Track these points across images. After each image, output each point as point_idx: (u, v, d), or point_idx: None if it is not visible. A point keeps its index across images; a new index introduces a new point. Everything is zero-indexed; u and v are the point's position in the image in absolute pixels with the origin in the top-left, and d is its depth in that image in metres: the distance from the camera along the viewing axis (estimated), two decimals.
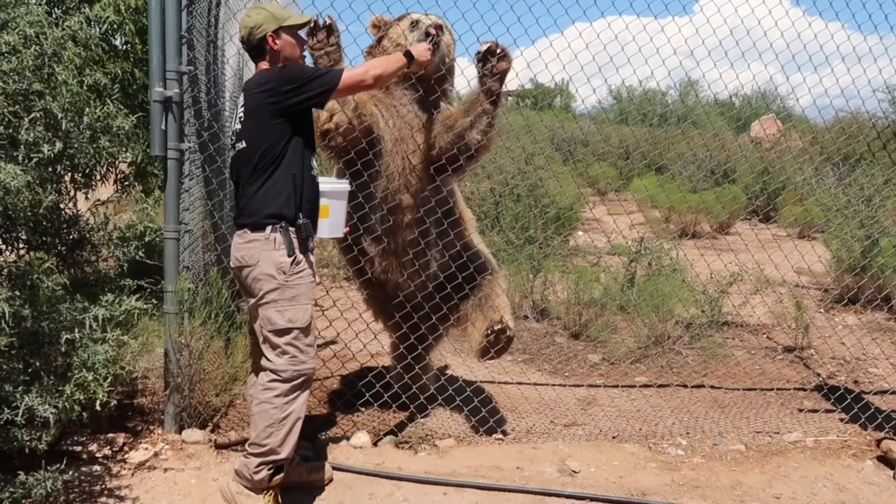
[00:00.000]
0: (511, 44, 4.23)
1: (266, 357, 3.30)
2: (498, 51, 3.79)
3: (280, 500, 3.33)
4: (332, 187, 3.53)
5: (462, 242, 4.24)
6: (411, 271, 4.11)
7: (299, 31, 3.49)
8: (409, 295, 4.19)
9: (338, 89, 3.29)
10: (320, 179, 3.47)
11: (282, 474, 3.31)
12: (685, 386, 5.20)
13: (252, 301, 3.33)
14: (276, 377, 3.26)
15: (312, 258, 3.35)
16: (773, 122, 18.62)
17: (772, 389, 5.21)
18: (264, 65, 3.41)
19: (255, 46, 3.39)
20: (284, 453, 3.26)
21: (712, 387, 5.20)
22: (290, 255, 3.23)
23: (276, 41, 3.35)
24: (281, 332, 3.25)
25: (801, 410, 4.85)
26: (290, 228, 3.26)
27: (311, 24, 3.74)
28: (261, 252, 3.24)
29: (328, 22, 3.76)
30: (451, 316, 4.30)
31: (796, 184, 11.56)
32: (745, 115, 18.94)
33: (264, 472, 3.26)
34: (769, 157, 12.82)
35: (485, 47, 3.81)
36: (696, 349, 5.88)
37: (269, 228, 3.24)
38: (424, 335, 4.37)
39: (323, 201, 3.46)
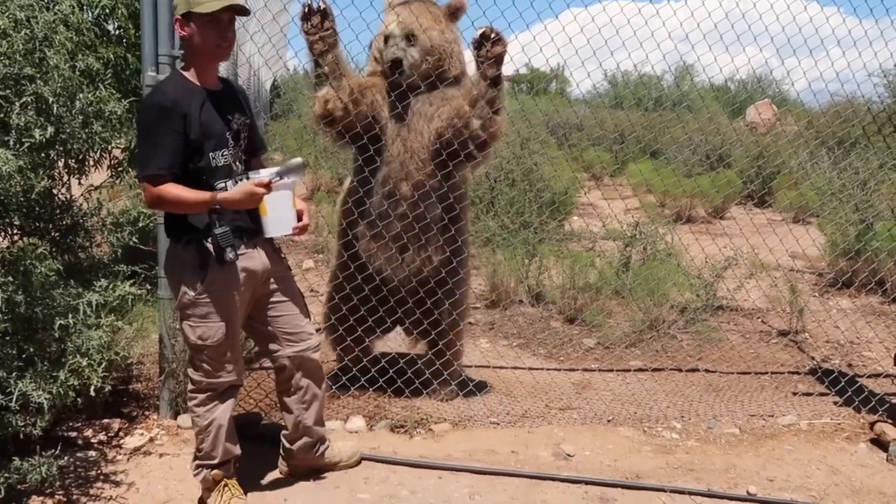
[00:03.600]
0: (506, 28, 4.19)
1: (189, 365, 3.28)
2: (492, 35, 3.77)
3: (235, 490, 3.29)
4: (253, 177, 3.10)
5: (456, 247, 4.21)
6: (398, 264, 4.11)
7: (227, 19, 3.03)
8: (394, 288, 4.21)
9: (141, 182, 2.96)
10: (261, 171, 3.12)
11: (220, 471, 3.27)
12: (680, 370, 5.21)
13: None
14: (193, 387, 3.23)
15: (247, 263, 3.13)
16: (768, 106, 18.59)
17: (766, 373, 5.23)
18: (184, 51, 3.15)
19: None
20: (218, 457, 3.23)
21: (707, 370, 5.21)
22: (202, 270, 3.03)
23: (185, 27, 2.98)
24: (193, 348, 3.16)
25: (795, 394, 4.87)
26: (205, 240, 3.02)
27: (305, 9, 3.67)
28: (175, 264, 3.12)
29: (322, 6, 3.71)
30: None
31: (791, 168, 11.56)
32: (741, 99, 18.90)
33: (203, 473, 3.25)
34: (764, 142, 12.82)
35: (479, 32, 3.80)
36: (690, 333, 5.89)
37: (183, 239, 3.06)
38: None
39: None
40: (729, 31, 4.61)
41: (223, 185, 3.05)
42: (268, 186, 3.01)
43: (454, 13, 3.94)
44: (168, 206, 3.00)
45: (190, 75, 3.05)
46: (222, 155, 3.06)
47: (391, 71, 3.92)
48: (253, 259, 3.16)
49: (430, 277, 4.19)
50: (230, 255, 3.02)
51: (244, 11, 3.10)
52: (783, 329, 6.16)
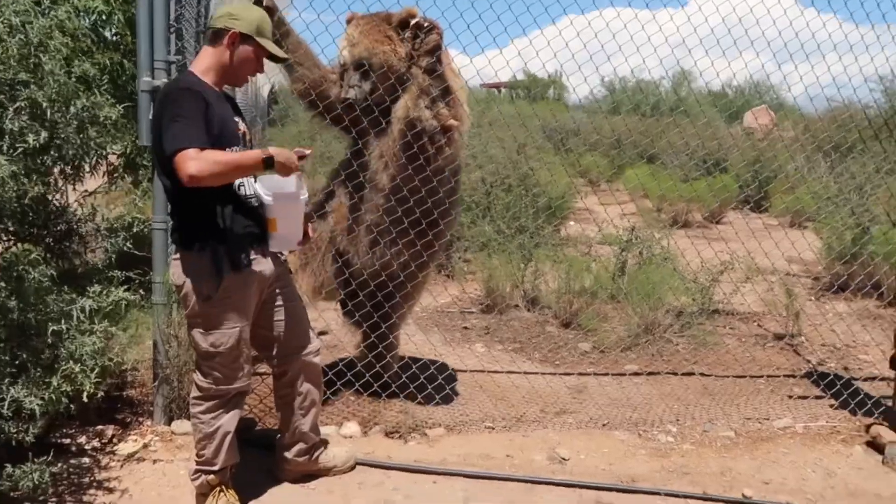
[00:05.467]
0: (502, 32, 4.20)
1: (196, 372, 3.27)
2: (425, 25, 3.77)
3: (231, 496, 3.29)
4: (278, 192, 3.10)
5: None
6: (369, 256, 4.13)
7: (266, 59, 3.20)
8: (361, 280, 4.24)
9: (171, 156, 2.82)
10: (261, 180, 3.11)
11: (217, 476, 3.26)
12: (675, 373, 5.21)
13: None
14: (200, 394, 3.22)
15: (258, 267, 3.13)
16: (765, 112, 18.64)
17: (762, 376, 5.23)
18: (208, 56, 3.07)
19: (216, 31, 3.06)
20: (219, 464, 3.23)
21: (702, 374, 5.21)
22: (217, 276, 3.02)
23: (237, 43, 3.04)
24: (204, 356, 3.16)
25: (790, 397, 4.86)
26: (220, 246, 3.02)
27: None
28: (187, 271, 3.07)
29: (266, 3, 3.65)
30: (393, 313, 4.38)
31: (788, 173, 11.57)
32: (738, 104, 18.95)
33: (201, 479, 3.25)
34: (761, 147, 12.83)
35: (412, 24, 3.80)
36: (686, 337, 5.89)
37: (196, 246, 3.04)
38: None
39: (269, 213, 3.10)
40: (726, 36, 4.62)
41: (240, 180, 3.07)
42: (302, 158, 3.08)
43: (403, 23, 3.92)
44: (220, 169, 2.81)
45: (204, 78, 3.06)
46: (238, 150, 3.06)
47: (348, 110, 3.99)
48: (262, 263, 3.17)
49: (398, 272, 4.22)
50: (244, 260, 3.05)
51: (284, 62, 3.37)
52: (779, 333, 6.15)
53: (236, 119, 3.15)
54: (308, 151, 3.19)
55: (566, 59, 4.45)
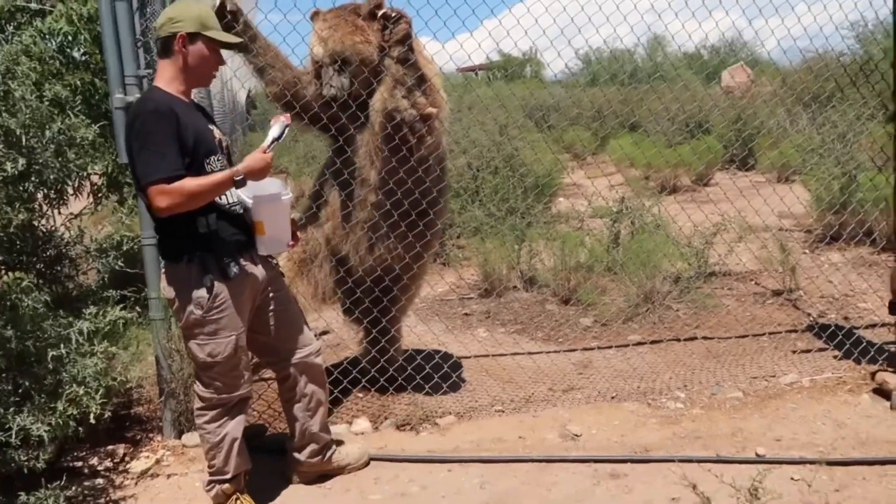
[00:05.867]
0: (470, 15, 4.17)
1: (196, 383, 3.26)
2: (393, 15, 3.75)
3: (246, 501, 3.28)
4: (259, 195, 3.08)
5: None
6: (363, 252, 4.12)
7: (222, 50, 3.13)
8: (358, 277, 4.24)
9: (146, 189, 2.85)
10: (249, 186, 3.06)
11: (232, 485, 3.25)
12: (678, 339, 5.22)
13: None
14: (203, 405, 3.21)
15: (251, 273, 3.13)
16: (741, 69, 18.63)
17: (764, 334, 5.24)
18: (166, 67, 3.01)
19: (163, 41, 2.98)
20: (231, 472, 3.22)
21: (705, 338, 5.22)
22: (207, 286, 3.00)
23: (187, 45, 2.95)
24: (203, 366, 3.14)
25: (794, 352, 4.88)
26: (207, 254, 3.00)
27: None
28: (177, 284, 3.05)
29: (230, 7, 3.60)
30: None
31: (770, 128, 11.58)
32: (713, 64, 18.92)
33: (216, 489, 3.24)
34: (741, 104, 12.83)
35: (380, 14, 3.78)
36: (685, 302, 5.90)
37: (184, 258, 3.01)
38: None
39: (255, 216, 3.09)
40: None
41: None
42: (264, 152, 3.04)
43: (373, 14, 3.89)
44: (192, 200, 2.87)
45: (171, 90, 3.00)
46: (217, 160, 3.04)
47: (326, 108, 3.95)
48: (253, 269, 3.15)
49: (393, 265, 4.21)
50: (234, 268, 3.03)
51: (241, 49, 3.33)
52: (777, 289, 6.17)
53: (210, 127, 3.12)
54: (284, 118, 3.18)
55: (538, 35, 4.43)
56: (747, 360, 4.80)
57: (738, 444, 3.73)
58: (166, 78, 3.02)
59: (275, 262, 3.40)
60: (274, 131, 3.12)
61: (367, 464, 3.67)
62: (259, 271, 3.19)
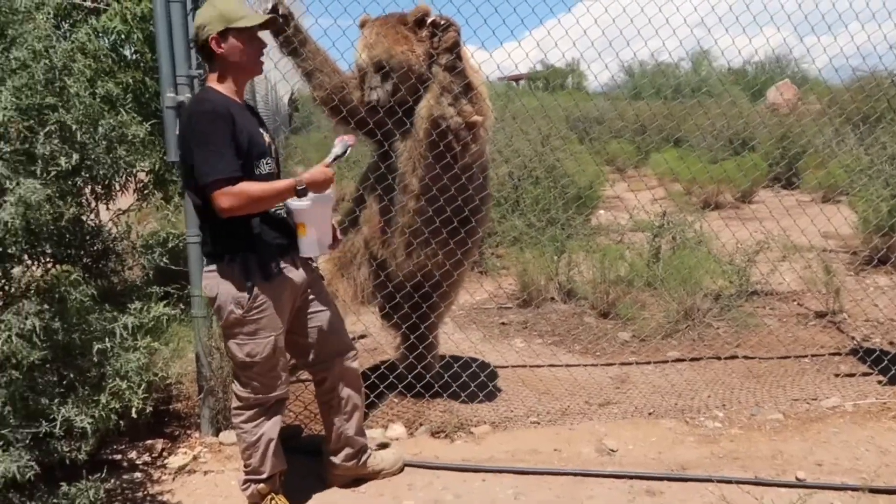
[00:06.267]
0: (519, 24, 4.17)
1: (234, 382, 3.29)
2: (442, 23, 3.74)
3: (281, 501, 3.31)
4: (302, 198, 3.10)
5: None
6: (404, 257, 4.13)
7: (259, 33, 3.12)
8: (397, 282, 4.25)
9: (205, 187, 2.91)
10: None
11: (267, 485, 3.28)
12: (718, 358, 5.16)
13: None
14: (240, 404, 3.24)
15: (291, 275, 3.16)
16: (789, 86, 18.37)
17: (806, 356, 5.16)
18: (214, 71, 3.07)
19: (202, 50, 3.05)
20: (266, 472, 3.25)
21: (746, 357, 5.15)
22: (248, 286, 3.03)
23: (222, 44, 2.98)
24: (241, 366, 3.17)
25: (837, 375, 4.79)
26: (250, 255, 3.04)
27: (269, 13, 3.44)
28: (218, 283, 3.08)
29: (283, 11, 3.62)
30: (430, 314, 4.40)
31: (817, 147, 11.40)
32: (761, 81, 18.70)
33: (251, 488, 3.27)
34: (787, 122, 12.65)
35: (429, 22, 3.78)
36: (726, 320, 5.83)
37: (226, 258, 3.05)
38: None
39: (297, 218, 3.14)
40: (745, 12, 4.55)
41: None
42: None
43: (420, 22, 3.89)
44: (254, 204, 2.94)
45: (224, 90, 3.05)
46: (266, 163, 3.08)
47: (372, 113, 3.95)
48: (293, 272, 3.18)
49: (433, 272, 4.22)
50: (275, 269, 3.07)
51: (276, 25, 3.21)
52: (820, 310, 6.06)
53: (261, 131, 3.15)
54: (348, 138, 3.24)
55: (585, 46, 4.42)
56: (788, 381, 4.72)
57: (777, 467, 3.67)
58: (217, 79, 3.08)
59: (315, 265, 3.43)
60: (337, 149, 3.19)
61: (401, 469, 3.67)
62: (299, 274, 3.21)
